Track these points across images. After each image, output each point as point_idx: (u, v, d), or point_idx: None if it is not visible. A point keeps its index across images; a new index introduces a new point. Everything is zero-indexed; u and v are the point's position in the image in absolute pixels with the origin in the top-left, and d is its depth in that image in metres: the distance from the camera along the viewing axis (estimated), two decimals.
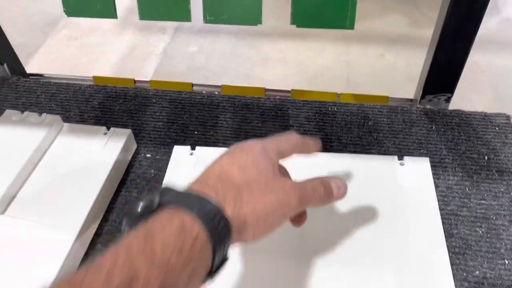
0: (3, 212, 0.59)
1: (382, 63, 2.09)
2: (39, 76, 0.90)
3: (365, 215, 0.56)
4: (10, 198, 0.60)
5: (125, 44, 2.24)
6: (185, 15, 0.68)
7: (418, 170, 0.61)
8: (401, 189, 0.59)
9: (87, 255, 0.58)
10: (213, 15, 0.68)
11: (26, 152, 0.64)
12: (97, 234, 0.60)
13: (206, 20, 0.69)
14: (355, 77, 2.03)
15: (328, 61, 2.12)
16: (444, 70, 0.71)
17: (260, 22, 0.67)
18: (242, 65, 2.10)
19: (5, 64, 0.87)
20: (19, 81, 0.86)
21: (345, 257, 0.52)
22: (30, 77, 0.89)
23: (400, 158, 0.63)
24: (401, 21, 2.36)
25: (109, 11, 0.69)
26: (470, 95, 1.86)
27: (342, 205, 0.57)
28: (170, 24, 2.35)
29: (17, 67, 0.88)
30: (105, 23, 2.36)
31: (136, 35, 2.30)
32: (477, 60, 2.03)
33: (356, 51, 2.16)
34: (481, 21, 0.63)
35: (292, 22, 0.67)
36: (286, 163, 0.45)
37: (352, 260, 0.51)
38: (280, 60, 2.14)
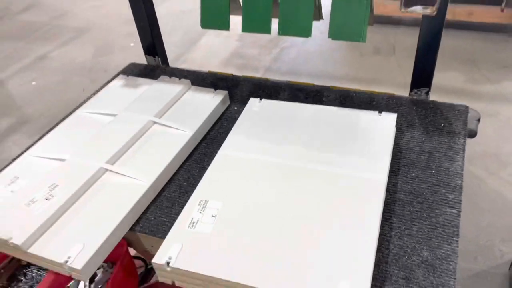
0: (115, 162, 1.06)
1: None
2: (177, 68, 1.46)
3: (348, 136, 0.99)
4: (129, 148, 1.12)
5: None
6: (266, 28, 1.19)
7: (388, 119, 1.03)
8: (372, 127, 1.01)
9: (156, 199, 0.97)
10: (284, 30, 1.18)
11: (160, 102, 1.17)
12: (170, 181, 1.07)
13: (280, 33, 1.19)
14: None
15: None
16: (422, 72, 1.13)
17: (310, 35, 1.15)
18: None
19: (157, 57, 1.44)
20: (166, 68, 1.42)
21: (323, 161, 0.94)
22: (171, 67, 1.46)
23: (380, 112, 1.05)
24: (459, 78, 2.71)
25: (226, 25, 1.23)
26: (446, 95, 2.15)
27: (332, 128, 1.00)
28: (263, 64, 2.94)
29: (164, 59, 1.45)
30: (213, 60, 3.03)
31: (234, 70, 2.92)
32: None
33: None
34: (439, 43, 1.06)
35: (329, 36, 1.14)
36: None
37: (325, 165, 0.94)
38: None
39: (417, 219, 0.86)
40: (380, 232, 0.80)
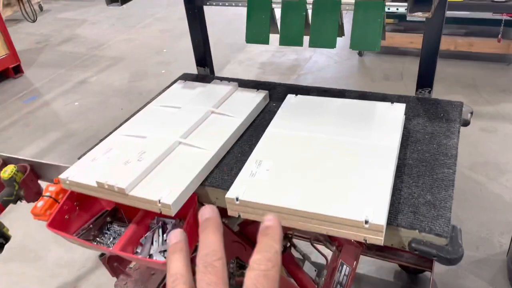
0: (186, 137, 1.38)
1: None
2: (223, 76, 1.77)
3: (367, 119, 1.27)
4: (195, 129, 1.41)
5: None
6: (299, 42, 1.50)
7: (398, 107, 1.31)
8: (385, 113, 1.29)
9: (218, 165, 1.29)
10: (314, 43, 1.49)
11: (214, 98, 1.47)
12: (228, 153, 1.37)
13: (310, 45, 1.50)
14: None
15: None
16: (425, 74, 1.42)
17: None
18: None
19: (206, 67, 1.75)
20: (214, 76, 1.73)
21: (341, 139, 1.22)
22: (220, 77, 1.77)
23: (392, 103, 1.33)
24: (461, 100, 3.00)
25: (266, 40, 1.54)
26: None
27: (351, 116, 1.29)
28: None
29: (211, 70, 1.77)
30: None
31: None
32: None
33: None
34: (438, 48, 1.36)
35: (352, 47, 1.45)
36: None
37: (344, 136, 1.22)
38: None
39: (422, 176, 1.13)
40: (394, 185, 1.07)
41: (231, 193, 1.05)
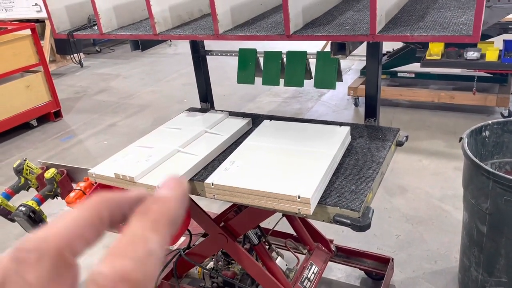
0: (183, 147, 1.84)
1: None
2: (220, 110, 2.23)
3: (319, 135, 1.68)
4: (191, 142, 1.86)
5: None
6: (276, 82, 1.96)
7: (344, 128, 1.72)
8: (334, 132, 1.70)
9: (205, 167, 1.76)
10: (287, 83, 1.95)
11: (209, 122, 1.93)
12: (214, 159, 1.81)
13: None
14: None
15: None
16: (370, 107, 1.84)
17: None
18: None
19: (207, 103, 2.22)
20: (213, 109, 2.20)
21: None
22: (217, 110, 2.23)
23: (340, 126, 1.75)
24: (441, 144, 3.36)
25: (252, 81, 2.01)
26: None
27: (305, 133, 1.70)
28: None
29: (212, 105, 2.24)
30: None
31: None
32: None
33: (402, 156, 3.20)
34: (378, 88, 1.79)
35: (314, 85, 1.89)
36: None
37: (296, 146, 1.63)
38: None
39: (352, 174, 1.52)
40: (330, 180, 1.47)
41: (208, 180, 1.47)
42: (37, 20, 5.95)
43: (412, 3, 1.65)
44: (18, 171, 1.93)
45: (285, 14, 1.40)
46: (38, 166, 1.99)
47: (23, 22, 5.03)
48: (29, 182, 1.96)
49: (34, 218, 1.80)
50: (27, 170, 1.93)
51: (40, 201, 1.84)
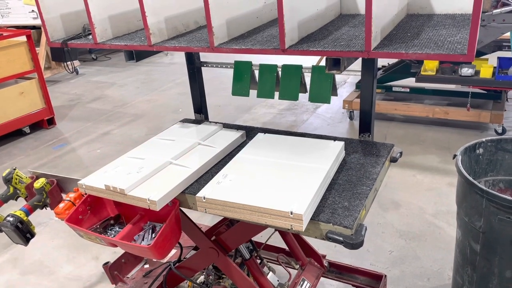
0: (176, 159, 1.82)
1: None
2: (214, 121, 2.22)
3: (313, 149, 1.67)
4: (184, 154, 1.84)
5: None
6: (271, 95, 1.95)
7: (338, 143, 1.71)
8: (327, 147, 1.69)
9: (197, 180, 1.73)
10: (282, 96, 1.94)
11: (202, 134, 1.91)
12: (207, 172, 1.80)
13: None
14: None
15: None
16: (365, 123, 1.83)
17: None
18: None
19: (202, 114, 2.21)
20: (207, 121, 2.18)
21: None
22: (211, 121, 2.22)
23: (334, 140, 1.74)
24: (435, 159, 3.36)
25: (247, 94, 2.00)
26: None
27: (299, 149, 1.69)
28: None
29: (206, 116, 2.22)
30: None
31: None
32: None
33: (396, 171, 3.20)
34: (373, 103, 1.78)
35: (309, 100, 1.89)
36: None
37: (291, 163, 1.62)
38: None
39: (345, 190, 1.50)
40: (323, 196, 1.45)
41: (200, 194, 1.45)
42: (33, 27, 5.94)
43: (408, 20, 1.65)
44: (7, 180, 1.90)
45: (280, 29, 1.39)
46: (28, 175, 1.96)
47: (20, 29, 5.02)
48: (18, 191, 1.92)
49: (22, 229, 1.77)
50: (16, 179, 1.89)
51: (28, 212, 1.81)
